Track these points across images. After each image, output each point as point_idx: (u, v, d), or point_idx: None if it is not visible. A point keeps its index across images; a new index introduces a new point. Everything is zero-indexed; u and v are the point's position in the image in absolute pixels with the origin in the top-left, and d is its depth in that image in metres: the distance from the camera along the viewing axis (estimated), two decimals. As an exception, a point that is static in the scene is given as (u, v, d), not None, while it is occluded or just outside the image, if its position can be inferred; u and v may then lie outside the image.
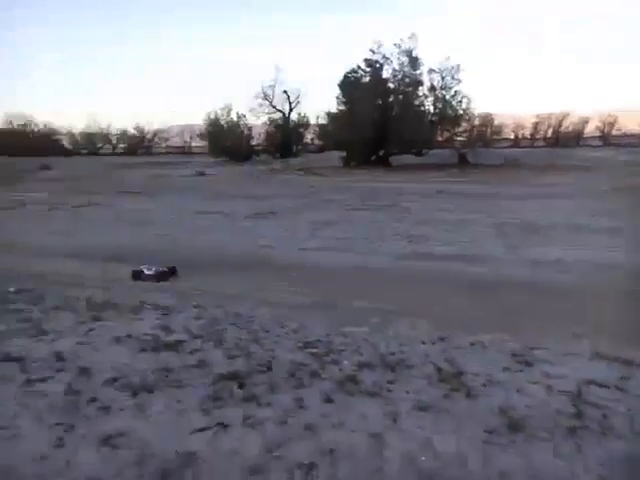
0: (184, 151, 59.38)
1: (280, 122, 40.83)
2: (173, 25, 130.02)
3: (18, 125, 57.54)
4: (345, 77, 31.89)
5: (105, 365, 3.31)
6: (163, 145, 62.26)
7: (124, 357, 3.47)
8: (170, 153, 57.65)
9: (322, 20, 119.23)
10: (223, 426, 2.53)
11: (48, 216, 12.88)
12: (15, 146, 48.38)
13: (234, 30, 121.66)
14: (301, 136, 43.22)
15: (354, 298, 5.42)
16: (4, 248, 8.48)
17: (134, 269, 6.55)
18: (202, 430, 2.47)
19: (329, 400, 2.81)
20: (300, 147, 42.59)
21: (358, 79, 31.54)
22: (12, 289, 5.62)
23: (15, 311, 4.74)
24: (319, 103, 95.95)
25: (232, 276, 6.60)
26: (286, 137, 40.45)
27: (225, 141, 39.91)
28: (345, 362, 3.42)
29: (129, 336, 3.92)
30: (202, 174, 27.38)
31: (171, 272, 6.64)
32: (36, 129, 59.23)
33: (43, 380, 3.07)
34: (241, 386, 2.98)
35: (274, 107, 40.22)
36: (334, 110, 33.60)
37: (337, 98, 32.60)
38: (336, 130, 32.46)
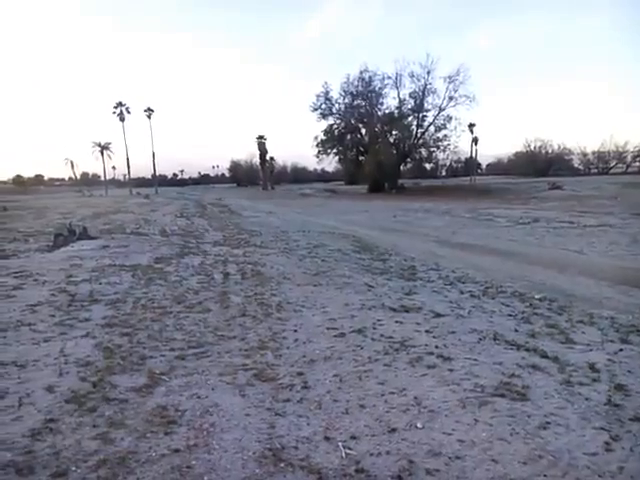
0: None
1: None
2: None
3: (534, 148, 62.71)
4: None
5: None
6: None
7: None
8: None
9: None
10: None
11: (558, 234, 13.42)
12: (530, 167, 53.67)
13: None
14: None
15: None
16: (539, 263, 9.51)
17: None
18: None
19: None
20: None
21: None
22: (537, 296, 6.29)
23: (541, 316, 5.30)
24: None
25: None
26: None
27: None
28: None
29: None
30: None
31: None
32: (550, 150, 62.67)
33: (581, 384, 3.30)
34: None
35: None
36: None
37: None
38: None
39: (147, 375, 3.51)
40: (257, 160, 73.89)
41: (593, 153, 64.02)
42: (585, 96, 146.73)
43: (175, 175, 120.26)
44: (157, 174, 69.84)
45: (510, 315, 5.25)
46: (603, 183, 35.36)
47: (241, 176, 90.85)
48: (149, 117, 60.58)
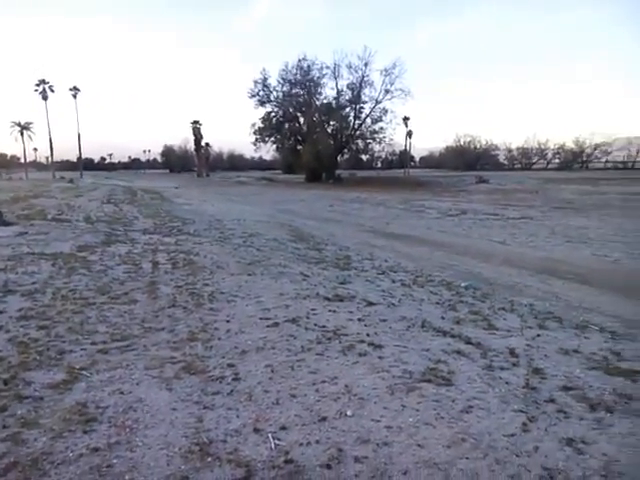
0: (626, 167, 53.17)
1: None
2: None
3: (464, 142, 65.54)
4: None
5: (556, 372, 3.45)
6: (602, 160, 57.66)
7: (574, 369, 3.51)
8: (609, 169, 52.94)
9: None
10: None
11: (483, 225, 14.12)
12: (460, 161, 56.18)
13: None
14: None
15: None
16: (460, 251, 9.93)
17: None
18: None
19: None
20: None
21: None
22: (463, 284, 6.58)
23: (466, 303, 5.55)
24: None
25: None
26: None
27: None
28: None
29: (576, 351, 3.93)
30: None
31: None
32: (478, 145, 65.74)
33: (502, 369, 3.48)
34: None
35: None
36: None
37: None
38: None
39: (66, 370, 3.29)
40: (192, 146, 71.93)
41: (517, 149, 67.96)
42: (512, 95, 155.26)
43: (103, 159, 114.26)
44: (83, 157, 65.87)
45: (438, 303, 5.45)
46: (526, 178, 37.71)
47: (174, 162, 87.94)
48: (75, 97, 56.91)
